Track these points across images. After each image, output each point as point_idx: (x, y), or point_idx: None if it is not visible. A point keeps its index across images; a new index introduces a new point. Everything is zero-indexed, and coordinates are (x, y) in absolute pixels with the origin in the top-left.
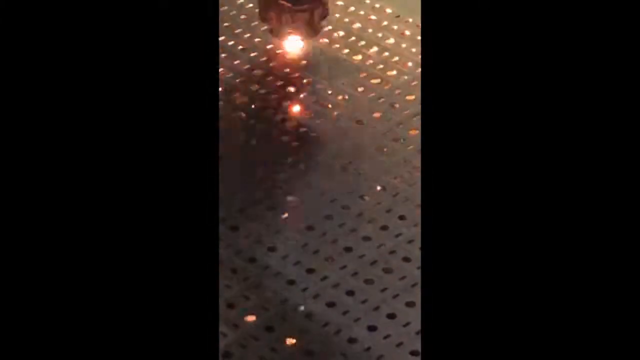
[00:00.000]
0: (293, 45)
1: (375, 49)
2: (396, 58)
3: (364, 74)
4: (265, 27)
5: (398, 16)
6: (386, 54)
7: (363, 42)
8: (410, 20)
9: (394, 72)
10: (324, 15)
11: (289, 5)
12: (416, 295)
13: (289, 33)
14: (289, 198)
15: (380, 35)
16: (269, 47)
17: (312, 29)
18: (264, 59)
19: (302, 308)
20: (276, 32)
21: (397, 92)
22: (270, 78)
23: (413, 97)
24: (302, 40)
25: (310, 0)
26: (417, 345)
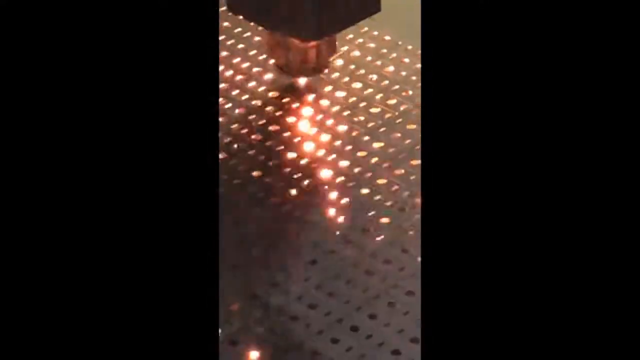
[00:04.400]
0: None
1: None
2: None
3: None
4: (274, 62)
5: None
6: (386, 82)
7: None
8: (410, 47)
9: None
10: (332, 51)
11: (297, 42)
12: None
13: (298, 69)
14: None
15: (379, 63)
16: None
17: (320, 65)
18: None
19: None
20: (285, 69)
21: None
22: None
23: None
24: (310, 76)
25: (318, 37)
26: None
